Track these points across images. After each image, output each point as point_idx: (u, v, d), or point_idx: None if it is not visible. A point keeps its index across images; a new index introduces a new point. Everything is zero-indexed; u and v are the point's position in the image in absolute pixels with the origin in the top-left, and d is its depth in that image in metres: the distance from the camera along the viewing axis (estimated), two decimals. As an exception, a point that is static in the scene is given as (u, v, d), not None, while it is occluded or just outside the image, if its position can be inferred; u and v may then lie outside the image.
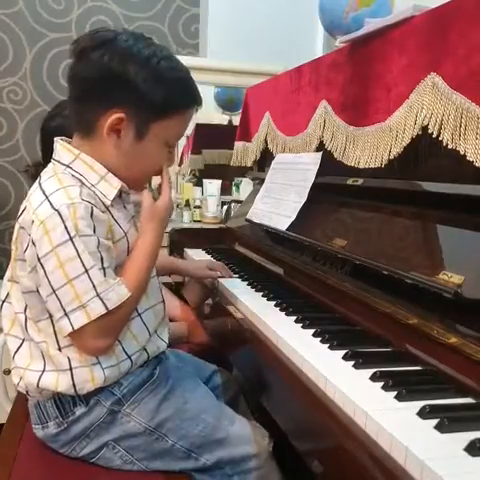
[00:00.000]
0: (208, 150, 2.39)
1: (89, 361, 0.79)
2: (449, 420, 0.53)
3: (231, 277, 1.22)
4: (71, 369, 0.79)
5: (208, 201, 2.18)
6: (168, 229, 1.80)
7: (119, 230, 0.82)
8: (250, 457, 0.86)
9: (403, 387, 0.61)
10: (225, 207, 2.14)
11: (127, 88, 0.78)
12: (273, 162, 1.44)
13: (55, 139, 0.84)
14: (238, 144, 1.72)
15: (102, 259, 0.76)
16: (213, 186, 2.19)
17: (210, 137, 2.49)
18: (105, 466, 0.85)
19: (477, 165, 0.71)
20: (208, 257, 1.48)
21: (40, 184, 0.79)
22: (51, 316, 0.78)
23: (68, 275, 0.73)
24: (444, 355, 0.67)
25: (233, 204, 2.10)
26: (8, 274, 0.84)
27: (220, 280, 1.19)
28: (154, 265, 0.87)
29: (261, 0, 2.42)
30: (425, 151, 0.88)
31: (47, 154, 1.28)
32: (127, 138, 0.80)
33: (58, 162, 0.82)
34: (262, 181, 1.47)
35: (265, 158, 1.58)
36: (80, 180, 0.79)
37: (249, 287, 1.13)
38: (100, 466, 0.85)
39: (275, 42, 2.39)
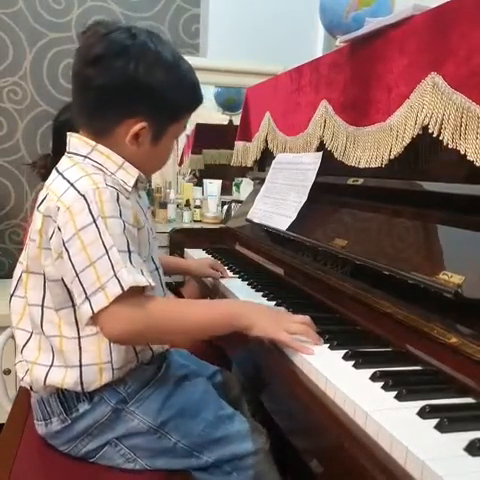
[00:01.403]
0: (208, 150, 2.39)
1: (102, 359, 0.79)
2: (449, 420, 0.53)
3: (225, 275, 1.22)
4: (81, 366, 0.79)
5: (208, 201, 2.18)
6: (168, 229, 1.80)
7: (141, 218, 0.82)
8: (249, 454, 0.86)
9: (403, 387, 0.61)
10: (225, 207, 2.14)
11: (151, 97, 0.78)
12: (273, 162, 1.44)
13: (68, 133, 0.83)
14: (238, 144, 1.72)
15: (128, 242, 0.74)
16: (213, 186, 2.20)
17: (210, 137, 2.49)
18: (106, 465, 0.84)
19: (477, 165, 0.71)
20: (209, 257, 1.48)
21: (61, 173, 0.79)
22: (74, 305, 0.77)
23: (91, 257, 0.71)
24: (444, 355, 0.67)
25: (233, 204, 2.10)
26: (23, 266, 0.83)
27: (220, 280, 1.19)
28: (201, 334, 0.84)
29: (261, 0, 2.42)
30: (425, 151, 0.88)
31: (57, 145, 1.31)
32: (145, 142, 0.81)
33: (75, 154, 0.81)
34: (262, 181, 1.47)
35: (265, 158, 1.58)
36: (100, 169, 0.79)
37: (249, 287, 1.13)
38: (101, 465, 0.85)
39: (275, 42, 2.39)
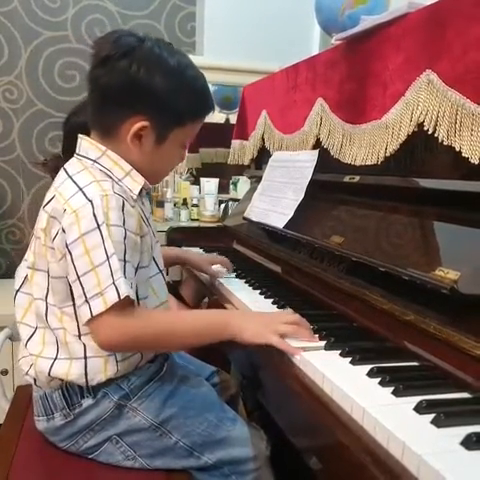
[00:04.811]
0: (205, 148, 2.38)
1: (105, 351, 0.80)
2: (445, 415, 0.53)
3: (229, 272, 1.22)
4: (86, 358, 0.80)
5: (206, 200, 2.18)
6: (165, 228, 1.80)
7: (144, 225, 0.84)
8: (249, 459, 0.87)
9: (400, 383, 0.61)
10: (223, 205, 2.15)
11: (152, 98, 0.80)
12: (270, 160, 1.44)
13: (79, 136, 0.86)
14: (235, 142, 1.72)
15: (125, 251, 0.76)
16: (211, 184, 2.20)
17: (207, 135, 2.47)
18: (105, 462, 0.85)
19: (472, 161, 0.72)
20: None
21: (70, 176, 0.80)
22: (75, 304, 0.78)
23: (93, 262, 0.73)
24: (440, 351, 0.67)
25: (231, 202, 2.10)
26: (29, 262, 0.85)
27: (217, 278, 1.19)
28: (194, 343, 0.86)
29: (257, -2, 2.43)
30: (421, 148, 0.89)
31: (68, 148, 1.29)
32: (148, 143, 0.83)
33: (85, 157, 0.83)
34: (259, 179, 1.47)
35: (262, 156, 1.59)
36: (108, 175, 0.82)
37: (246, 285, 1.13)
38: (100, 463, 0.85)
39: (271, 40, 2.39)
